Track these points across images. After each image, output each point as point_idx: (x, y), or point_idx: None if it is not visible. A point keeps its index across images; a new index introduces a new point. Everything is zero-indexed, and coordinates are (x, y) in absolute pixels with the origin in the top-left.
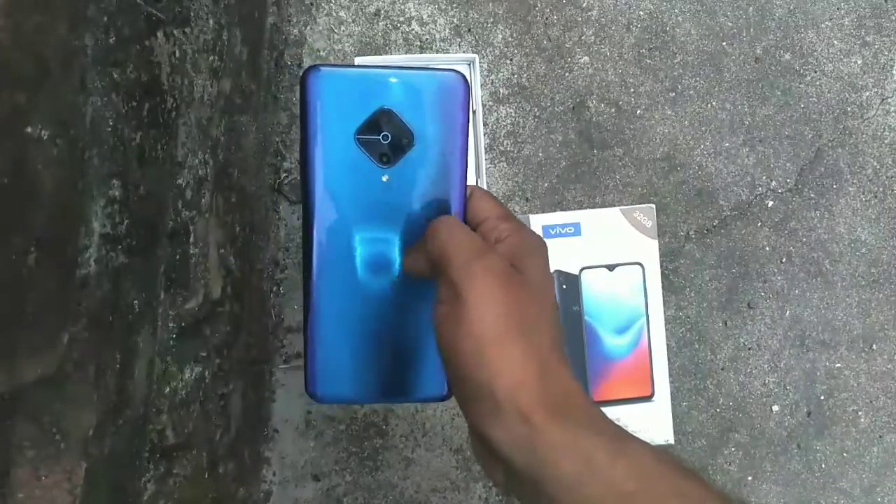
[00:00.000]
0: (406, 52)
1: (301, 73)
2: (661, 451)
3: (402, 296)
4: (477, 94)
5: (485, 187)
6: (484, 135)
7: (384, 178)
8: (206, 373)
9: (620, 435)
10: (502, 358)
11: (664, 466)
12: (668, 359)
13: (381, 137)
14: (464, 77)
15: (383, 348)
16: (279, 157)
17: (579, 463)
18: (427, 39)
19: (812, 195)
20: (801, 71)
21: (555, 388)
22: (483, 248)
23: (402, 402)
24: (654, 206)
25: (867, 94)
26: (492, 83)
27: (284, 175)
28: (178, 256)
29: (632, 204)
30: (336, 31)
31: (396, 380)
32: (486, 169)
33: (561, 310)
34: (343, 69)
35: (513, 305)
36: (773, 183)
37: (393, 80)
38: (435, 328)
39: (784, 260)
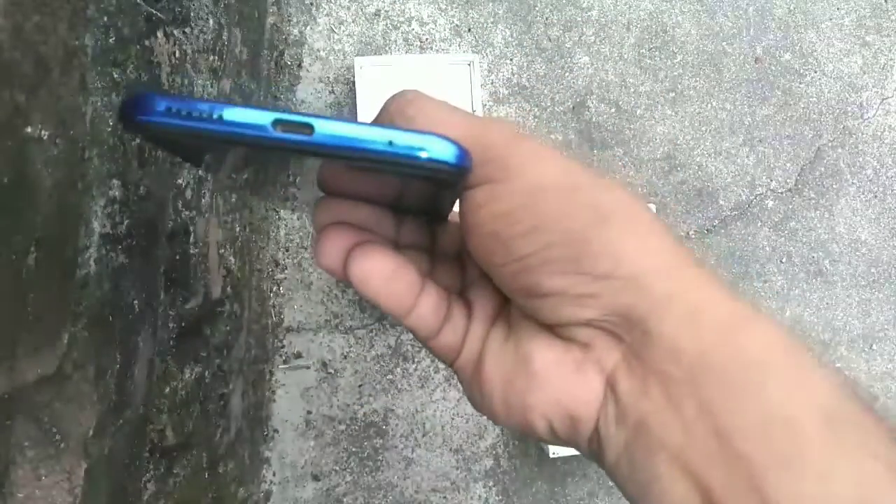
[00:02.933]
0: (406, 52)
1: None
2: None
3: None
4: (477, 94)
5: None
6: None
7: None
8: (206, 373)
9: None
10: (612, 193)
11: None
12: None
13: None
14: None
15: None
16: None
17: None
18: (427, 39)
19: (812, 195)
20: (801, 71)
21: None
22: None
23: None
24: (653, 205)
25: (867, 93)
26: (492, 83)
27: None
28: (178, 256)
29: None
30: (336, 31)
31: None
32: None
33: None
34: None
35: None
36: (773, 183)
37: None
38: (482, 215)
39: (784, 260)
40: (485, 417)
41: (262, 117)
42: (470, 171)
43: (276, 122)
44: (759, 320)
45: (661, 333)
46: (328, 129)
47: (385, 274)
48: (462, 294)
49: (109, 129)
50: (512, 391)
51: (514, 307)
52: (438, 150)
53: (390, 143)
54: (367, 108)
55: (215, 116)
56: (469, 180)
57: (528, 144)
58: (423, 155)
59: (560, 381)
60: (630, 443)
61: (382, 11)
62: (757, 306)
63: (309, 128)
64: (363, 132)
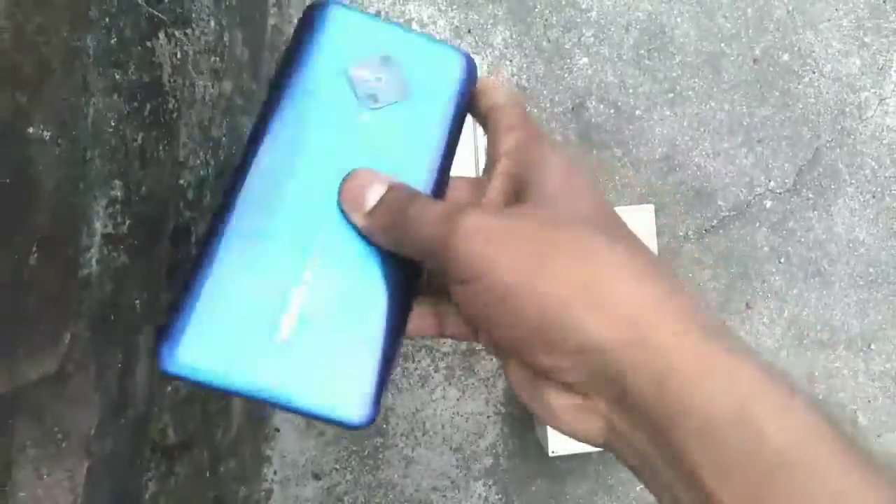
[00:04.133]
0: None
1: (306, 7)
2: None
3: (346, 252)
4: None
5: None
6: (484, 135)
7: (362, 118)
8: None
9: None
10: (576, 269)
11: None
12: None
13: (374, 78)
14: (472, 61)
15: (302, 317)
16: None
17: (737, 401)
18: None
19: (810, 195)
20: (800, 72)
21: (679, 301)
22: (455, 210)
23: (299, 410)
24: (652, 206)
25: (865, 94)
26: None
27: None
28: (179, 256)
29: (631, 204)
30: None
31: (304, 374)
32: None
33: None
34: (355, 12)
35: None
36: (772, 183)
37: (404, 36)
38: (464, 310)
39: (782, 260)
40: (485, 417)
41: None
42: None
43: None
44: (729, 367)
45: (634, 392)
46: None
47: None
48: None
49: (111, 130)
50: (532, 404)
51: None
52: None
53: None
54: None
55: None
56: (450, 275)
57: (492, 245)
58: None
59: (569, 419)
60: (638, 463)
61: (383, 13)
62: (732, 339)
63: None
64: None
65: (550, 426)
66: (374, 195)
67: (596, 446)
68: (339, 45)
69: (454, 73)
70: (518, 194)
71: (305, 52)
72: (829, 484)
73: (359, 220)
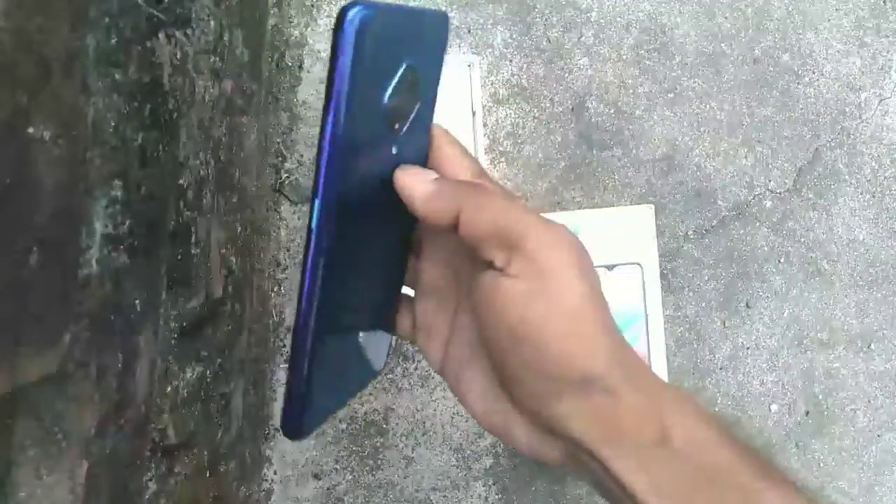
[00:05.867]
0: None
1: (341, 10)
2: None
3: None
4: (477, 96)
5: None
6: (484, 135)
7: (394, 151)
8: (208, 372)
9: (704, 412)
10: (592, 332)
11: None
12: (667, 358)
13: (404, 104)
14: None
15: (349, 346)
16: (280, 158)
17: (659, 431)
18: None
19: (810, 195)
20: (800, 72)
21: (630, 359)
22: (545, 218)
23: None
24: (652, 206)
25: (865, 94)
26: (492, 84)
27: (285, 175)
28: (179, 256)
29: (631, 204)
30: None
31: (353, 376)
32: (486, 169)
33: None
34: (385, 7)
35: (591, 278)
36: (772, 183)
37: (411, 20)
38: (504, 305)
39: (782, 260)
40: None
41: None
42: None
43: None
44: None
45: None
46: None
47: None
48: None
49: (111, 130)
50: (496, 430)
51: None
52: None
53: None
54: None
55: None
56: (500, 262)
57: (567, 254)
58: None
59: (533, 446)
60: (593, 481)
61: None
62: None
63: None
64: None
65: (517, 451)
66: (426, 185)
67: (552, 466)
68: (376, 62)
69: (443, 34)
70: None
71: (344, 86)
72: (744, 485)
73: (419, 205)
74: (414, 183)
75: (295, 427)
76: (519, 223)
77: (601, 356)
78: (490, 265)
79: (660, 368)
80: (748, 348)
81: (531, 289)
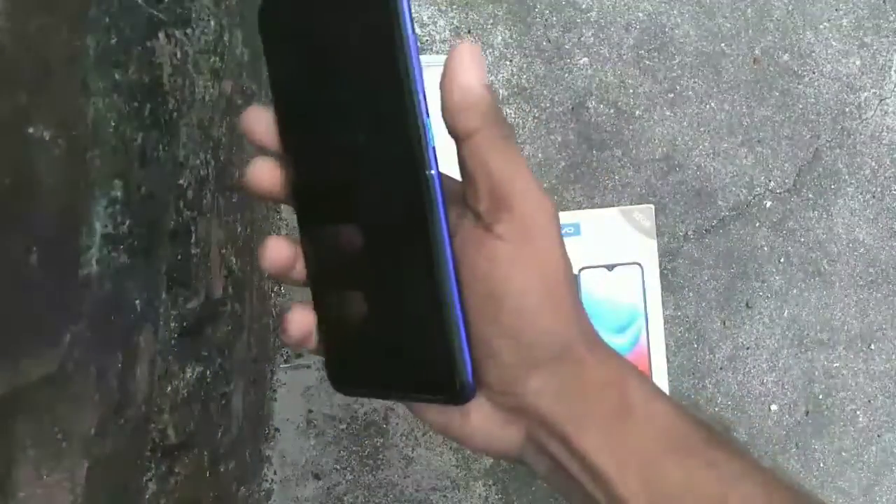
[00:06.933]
0: None
1: None
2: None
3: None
4: None
5: None
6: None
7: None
8: (208, 372)
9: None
10: (569, 303)
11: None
12: (667, 358)
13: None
14: None
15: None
16: None
17: (621, 403)
18: (427, 41)
19: (810, 195)
20: (800, 72)
21: (590, 330)
22: (533, 177)
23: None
24: (652, 206)
25: (865, 94)
26: (492, 84)
27: None
28: (179, 256)
29: (631, 204)
30: None
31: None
32: None
33: None
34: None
35: (564, 246)
36: (772, 183)
37: None
38: (489, 268)
39: (782, 260)
40: None
41: None
42: None
43: None
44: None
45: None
46: None
47: None
48: None
49: (111, 130)
50: (449, 425)
51: None
52: None
53: None
54: None
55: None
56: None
57: (551, 223)
58: None
59: (494, 434)
60: (551, 467)
61: None
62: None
63: None
64: None
65: (464, 445)
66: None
67: (507, 460)
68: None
69: None
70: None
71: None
72: (701, 454)
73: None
74: (478, 77)
75: (468, 384)
76: (514, 181)
77: (575, 327)
78: (476, 215)
79: (660, 368)
80: (748, 348)
81: (517, 254)
